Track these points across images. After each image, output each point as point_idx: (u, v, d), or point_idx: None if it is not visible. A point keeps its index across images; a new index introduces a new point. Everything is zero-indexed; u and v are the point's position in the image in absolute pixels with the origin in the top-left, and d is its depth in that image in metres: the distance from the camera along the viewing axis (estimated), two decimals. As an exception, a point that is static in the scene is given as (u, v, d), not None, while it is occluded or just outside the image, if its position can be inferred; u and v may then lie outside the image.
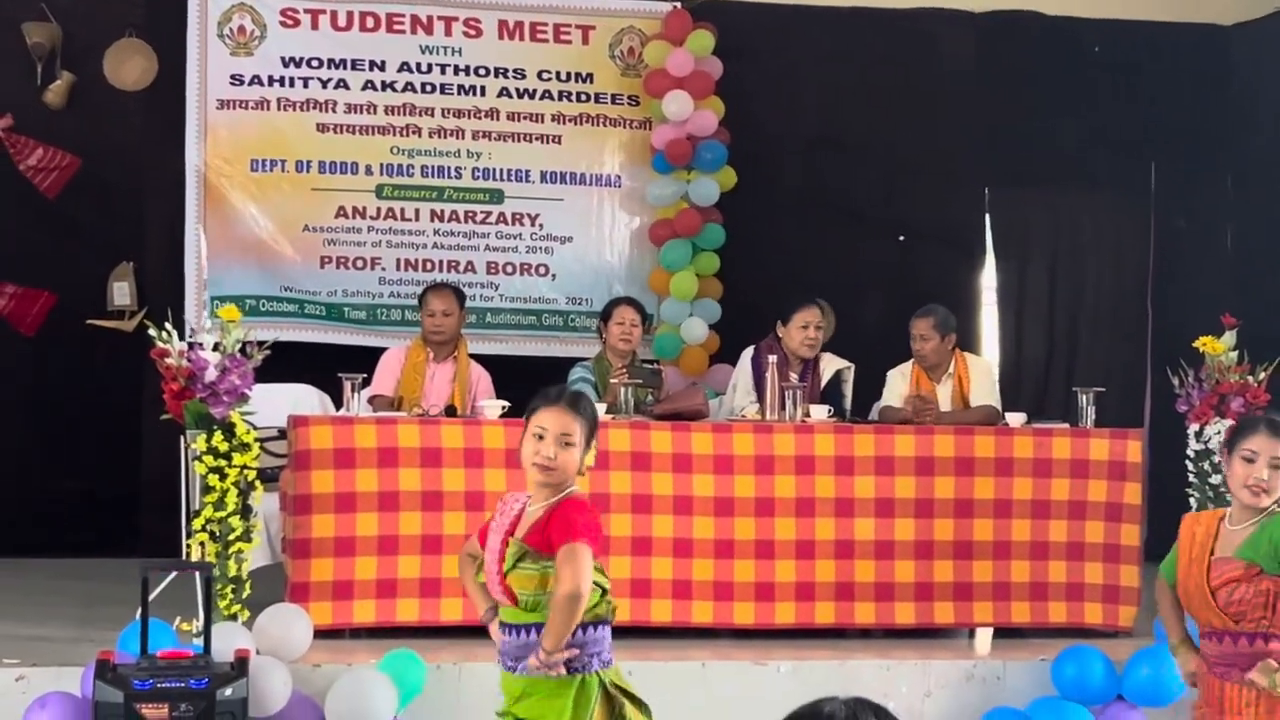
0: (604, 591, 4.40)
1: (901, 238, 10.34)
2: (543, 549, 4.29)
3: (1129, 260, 10.70)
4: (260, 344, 6.64)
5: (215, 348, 6.45)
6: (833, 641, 6.92)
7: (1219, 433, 7.03)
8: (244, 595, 6.38)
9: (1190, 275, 10.25)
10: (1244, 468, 4.71)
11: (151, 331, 6.55)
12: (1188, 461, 7.30)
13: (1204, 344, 7.24)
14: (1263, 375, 7.19)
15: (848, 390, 7.64)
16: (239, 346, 6.47)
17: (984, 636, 7.27)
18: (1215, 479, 7.05)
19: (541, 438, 4.37)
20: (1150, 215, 10.60)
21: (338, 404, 7.28)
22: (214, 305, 8.06)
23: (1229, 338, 7.23)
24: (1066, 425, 7.37)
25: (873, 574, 7.00)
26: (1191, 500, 7.17)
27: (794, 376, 7.61)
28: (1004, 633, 7.23)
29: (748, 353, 8.06)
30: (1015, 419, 7.36)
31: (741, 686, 6.34)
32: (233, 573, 6.34)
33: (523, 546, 4.33)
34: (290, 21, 9.37)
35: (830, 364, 7.86)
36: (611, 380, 7.72)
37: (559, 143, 9.71)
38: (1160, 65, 10.23)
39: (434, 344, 7.97)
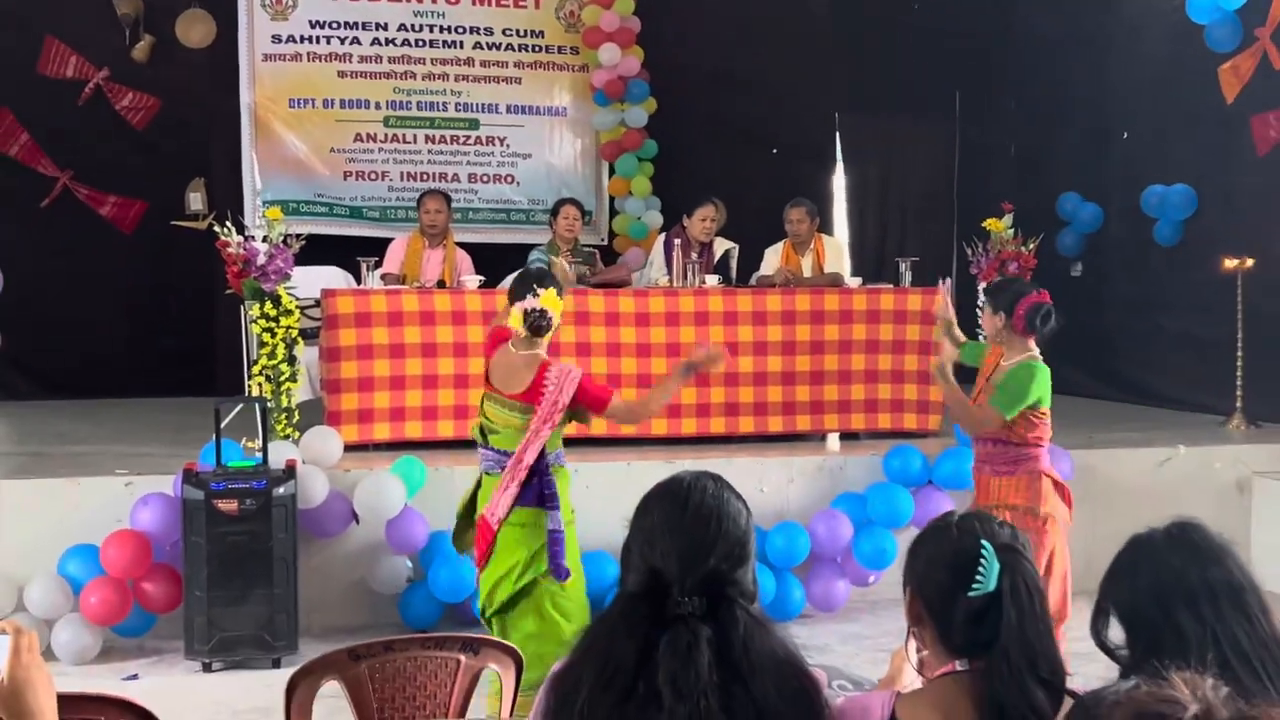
0: None
1: (775, 150, 10.29)
2: None
3: (940, 166, 10.72)
4: (298, 236, 6.57)
5: (264, 240, 6.37)
6: (723, 445, 6.95)
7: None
8: (293, 421, 6.37)
9: (983, 176, 10.26)
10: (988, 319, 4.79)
11: (217, 228, 6.47)
12: (977, 309, 7.29)
13: (990, 224, 7.27)
14: (1031, 245, 7.24)
15: (733, 264, 7.61)
16: (282, 238, 6.40)
17: (832, 440, 7.28)
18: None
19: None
20: (955, 132, 10.59)
21: (358, 280, 7.24)
22: (264, 208, 7.95)
23: (1007, 220, 7.26)
24: (891, 286, 7.39)
25: (752, 396, 7.05)
26: (980, 336, 7.21)
27: (695, 255, 7.59)
28: (847, 436, 7.27)
29: (661, 237, 8.02)
30: (853, 282, 7.35)
31: (657, 479, 6.33)
32: (283, 404, 6.32)
33: None
34: (315, -6, 9.18)
35: (721, 245, 7.80)
36: (560, 260, 7.66)
37: (520, 83, 9.58)
38: (962, 16, 10.12)
39: (429, 235, 7.89)
